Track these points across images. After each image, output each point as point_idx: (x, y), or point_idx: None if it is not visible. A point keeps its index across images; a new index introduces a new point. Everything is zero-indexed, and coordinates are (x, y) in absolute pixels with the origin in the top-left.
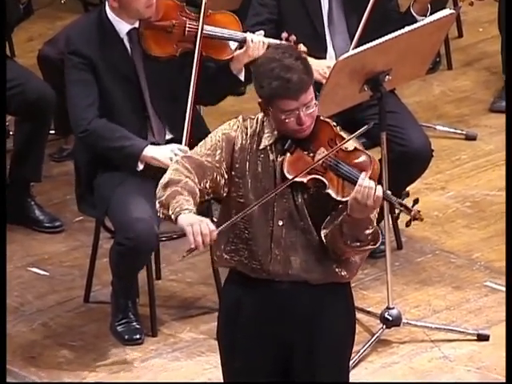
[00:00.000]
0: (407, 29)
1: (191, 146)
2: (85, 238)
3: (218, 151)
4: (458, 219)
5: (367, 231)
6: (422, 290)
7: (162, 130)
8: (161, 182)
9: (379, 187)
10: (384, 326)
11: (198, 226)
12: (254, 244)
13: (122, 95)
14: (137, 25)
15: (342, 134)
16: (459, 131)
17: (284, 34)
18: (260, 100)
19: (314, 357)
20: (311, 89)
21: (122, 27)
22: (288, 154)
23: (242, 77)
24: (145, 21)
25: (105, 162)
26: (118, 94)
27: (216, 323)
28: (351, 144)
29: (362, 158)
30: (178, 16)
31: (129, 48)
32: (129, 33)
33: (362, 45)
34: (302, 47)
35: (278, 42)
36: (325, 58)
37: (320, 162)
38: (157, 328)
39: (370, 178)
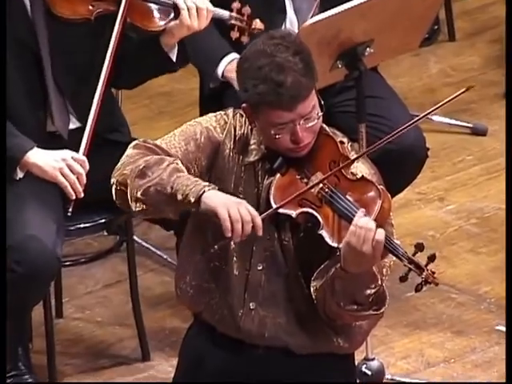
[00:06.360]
0: None
1: (89, 157)
2: None
3: (192, 146)
4: (460, 241)
5: (368, 291)
6: (412, 335)
7: (65, 116)
8: (125, 171)
9: (381, 230)
10: None
11: (237, 210)
12: (227, 287)
13: (16, 65)
14: None
15: (351, 154)
16: (464, 124)
17: (235, 4)
18: (244, 105)
19: None
20: (313, 95)
21: None
22: (278, 176)
23: (173, 56)
24: None
25: None
26: (9, 64)
27: (136, 376)
28: (359, 170)
29: (369, 191)
30: None
31: (28, 4)
32: None
33: (330, 8)
34: (258, 23)
35: (227, 13)
36: (283, 23)
37: (311, 189)
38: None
39: (376, 219)
